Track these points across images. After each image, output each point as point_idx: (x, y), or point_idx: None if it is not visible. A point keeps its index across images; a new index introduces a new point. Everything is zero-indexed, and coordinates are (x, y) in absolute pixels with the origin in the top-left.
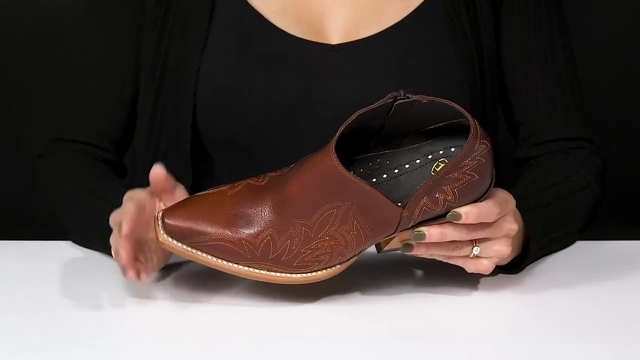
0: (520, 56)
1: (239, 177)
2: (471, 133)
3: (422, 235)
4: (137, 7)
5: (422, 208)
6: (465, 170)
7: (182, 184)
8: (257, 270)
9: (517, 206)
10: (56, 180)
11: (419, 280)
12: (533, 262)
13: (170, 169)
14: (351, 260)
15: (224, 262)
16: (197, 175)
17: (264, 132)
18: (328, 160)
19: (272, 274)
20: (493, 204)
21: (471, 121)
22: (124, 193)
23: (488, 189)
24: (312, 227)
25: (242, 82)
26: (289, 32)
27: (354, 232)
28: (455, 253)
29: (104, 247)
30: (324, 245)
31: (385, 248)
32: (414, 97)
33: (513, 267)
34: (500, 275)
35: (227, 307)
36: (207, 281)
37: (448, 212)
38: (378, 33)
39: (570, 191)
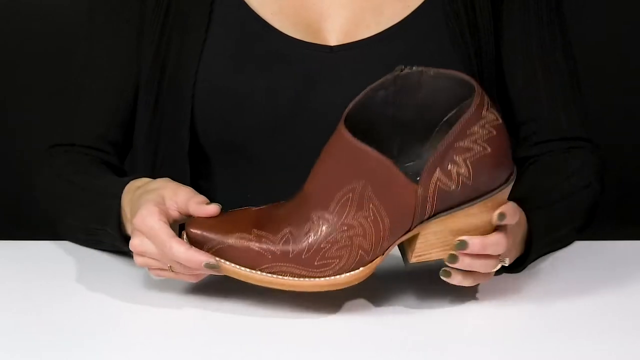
0: (521, 55)
1: (238, 179)
2: (476, 93)
3: (465, 243)
4: (138, 11)
5: (436, 184)
6: (476, 138)
7: None
8: (280, 277)
9: (520, 206)
10: (49, 184)
11: (421, 288)
12: (534, 261)
13: (168, 170)
14: (373, 265)
15: (245, 270)
16: (195, 176)
17: (261, 134)
18: (339, 136)
19: (295, 279)
20: (504, 235)
21: (477, 86)
22: (112, 181)
23: (507, 179)
24: (330, 219)
25: (240, 83)
26: (287, 33)
27: (372, 217)
28: (490, 268)
29: (87, 241)
30: (343, 237)
31: (414, 259)
32: (420, 68)
33: (515, 265)
34: (500, 277)
35: (232, 312)
36: (210, 283)
37: (465, 198)
38: (377, 34)
39: (572, 190)
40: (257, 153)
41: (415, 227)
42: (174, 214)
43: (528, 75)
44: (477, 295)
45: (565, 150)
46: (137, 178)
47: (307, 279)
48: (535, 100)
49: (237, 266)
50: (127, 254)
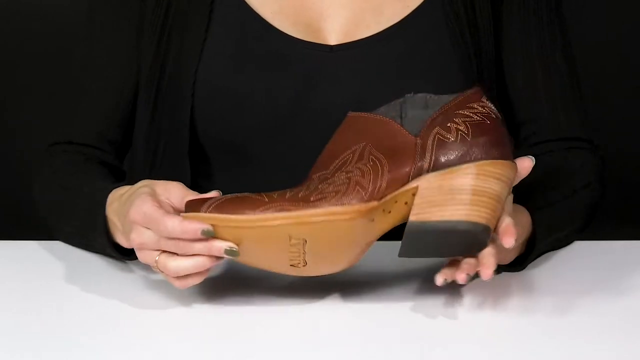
0: (521, 56)
1: (238, 179)
2: (478, 85)
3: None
4: (138, 9)
5: (435, 136)
6: (476, 112)
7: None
8: (275, 213)
9: (523, 206)
10: (45, 189)
11: (419, 287)
12: (534, 260)
13: (168, 170)
14: (369, 205)
15: (240, 216)
16: (195, 176)
17: (262, 133)
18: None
19: (290, 212)
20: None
21: (479, 85)
22: (99, 188)
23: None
24: (330, 173)
25: (240, 83)
26: (287, 33)
27: (371, 163)
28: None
29: (84, 245)
30: (340, 178)
31: (412, 217)
32: (423, 94)
33: (515, 264)
34: (500, 276)
35: (233, 312)
36: (211, 284)
37: (464, 155)
38: (376, 34)
39: (572, 190)
40: (257, 153)
41: (414, 178)
42: (168, 208)
43: (528, 76)
44: (476, 294)
45: (565, 151)
46: (118, 187)
47: (301, 211)
48: (535, 100)
49: (233, 215)
50: (120, 261)
